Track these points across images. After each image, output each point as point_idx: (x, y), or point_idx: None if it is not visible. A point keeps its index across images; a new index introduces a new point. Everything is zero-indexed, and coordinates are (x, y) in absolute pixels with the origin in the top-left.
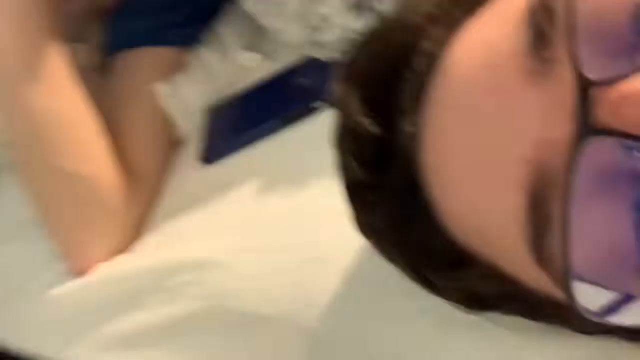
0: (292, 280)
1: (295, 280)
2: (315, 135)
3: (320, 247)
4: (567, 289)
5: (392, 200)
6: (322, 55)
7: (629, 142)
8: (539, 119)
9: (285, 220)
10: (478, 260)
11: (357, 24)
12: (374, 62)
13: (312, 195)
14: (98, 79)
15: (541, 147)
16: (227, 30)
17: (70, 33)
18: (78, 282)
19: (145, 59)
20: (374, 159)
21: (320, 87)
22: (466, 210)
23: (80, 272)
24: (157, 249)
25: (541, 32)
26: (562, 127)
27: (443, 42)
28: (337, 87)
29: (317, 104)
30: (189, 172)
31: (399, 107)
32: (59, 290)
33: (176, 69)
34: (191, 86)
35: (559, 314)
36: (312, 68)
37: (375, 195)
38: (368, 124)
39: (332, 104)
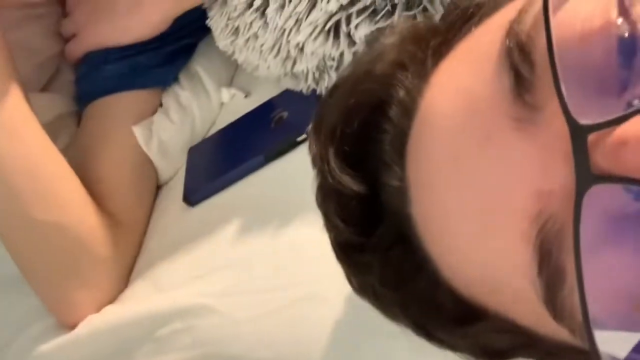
0: (286, 320)
1: (289, 320)
2: (297, 169)
3: (311, 284)
4: (590, 342)
5: (385, 259)
6: (300, 86)
7: (634, 187)
8: (534, 168)
9: (272, 258)
10: (487, 314)
11: (333, 51)
12: (347, 115)
13: (297, 231)
14: (74, 127)
15: (541, 198)
16: (203, 68)
17: (40, 82)
18: (66, 337)
19: (122, 103)
20: (360, 218)
21: (302, 119)
22: (469, 266)
23: (69, 325)
24: (145, 296)
25: (520, 76)
26: (560, 177)
27: (416, 90)
28: (311, 146)
29: (301, 137)
30: (173, 214)
31: (380, 160)
32: (47, 346)
33: (153, 109)
34: (169, 126)
35: (579, 357)
36: (292, 100)
37: (367, 256)
38: (349, 181)
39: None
